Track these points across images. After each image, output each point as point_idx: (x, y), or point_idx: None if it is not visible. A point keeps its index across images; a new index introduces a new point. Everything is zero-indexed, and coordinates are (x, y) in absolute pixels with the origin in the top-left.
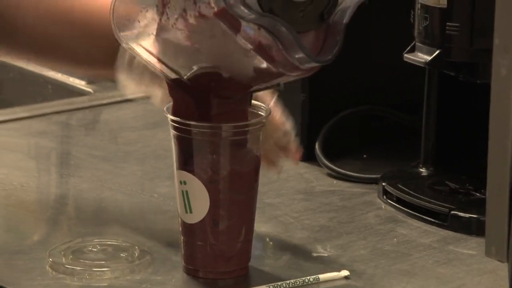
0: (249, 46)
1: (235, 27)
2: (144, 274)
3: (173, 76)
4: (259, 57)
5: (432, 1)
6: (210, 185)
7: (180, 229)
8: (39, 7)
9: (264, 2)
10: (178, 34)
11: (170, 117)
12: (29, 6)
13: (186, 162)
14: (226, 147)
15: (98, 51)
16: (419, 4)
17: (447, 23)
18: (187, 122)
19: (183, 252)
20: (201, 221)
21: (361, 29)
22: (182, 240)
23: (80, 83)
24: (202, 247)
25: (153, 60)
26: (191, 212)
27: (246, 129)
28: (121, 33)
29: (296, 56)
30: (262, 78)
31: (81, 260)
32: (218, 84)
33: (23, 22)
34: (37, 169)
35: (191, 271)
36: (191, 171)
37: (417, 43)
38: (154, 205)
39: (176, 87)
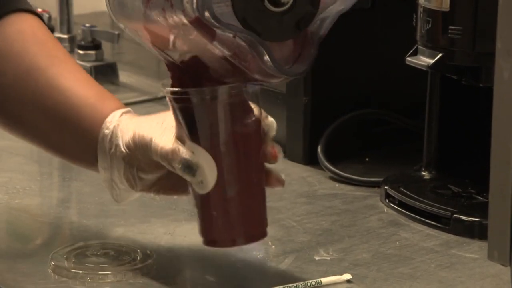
0: (225, 52)
1: (210, 35)
2: (146, 278)
3: (168, 58)
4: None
5: (435, 4)
6: (214, 150)
7: (194, 201)
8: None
9: (238, 11)
10: (161, 26)
11: (169, 89)
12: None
13: (190, 132)
14: (225, 110)
15: (77, 147)
16: (422, 8)
17: (450, 27)
18: (185, 90)
19: (199, 225)
20: (212, 190)
21: (363, 32)
22: (197, 212)
23: None
24: (217, 216)
25: (147, 44)
26: (201, 182)
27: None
28: (117, 17)
29: (269, 65)
30: (241, 75)
31: (84, 264)
32: (205, 69)
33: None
34: (40, 173)
35: (210, 243)
36: (195, 140)
37: (419, 47)
38: (156, 208)
39: (173, 67)
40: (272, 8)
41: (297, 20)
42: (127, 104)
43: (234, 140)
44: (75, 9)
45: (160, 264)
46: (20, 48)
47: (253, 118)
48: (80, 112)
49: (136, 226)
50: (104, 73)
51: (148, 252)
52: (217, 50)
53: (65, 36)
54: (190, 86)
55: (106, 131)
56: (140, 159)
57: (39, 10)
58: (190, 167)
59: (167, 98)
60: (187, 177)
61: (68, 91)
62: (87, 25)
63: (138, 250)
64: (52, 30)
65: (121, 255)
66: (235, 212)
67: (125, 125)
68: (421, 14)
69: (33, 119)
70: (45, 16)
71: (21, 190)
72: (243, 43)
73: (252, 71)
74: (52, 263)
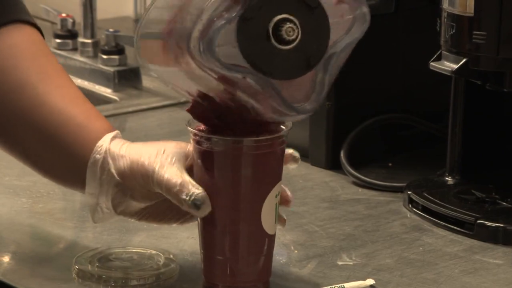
0: (237, 93)
1: (232, 85)
2: (169, 282)
3: (189, 97)
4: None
5: (459, 9)
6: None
7: (200, 243)
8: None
9: (245, 52)
10: (177, 70)
11: (193, 130)
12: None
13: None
14: (246, 160)
15: (63, 167)
16: (446, 13)
17: (474, 32)
18: (209, 136)
19: (203, 266)
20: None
21: (387, 37)
22: (201, 253)
23: (106, 91)
24: (220, 261)
25: (173, 85)
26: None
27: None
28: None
29: (279, 104)
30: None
31: (107, 268)
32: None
33: None
34: None
35: (211, 286)
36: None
37: (443, 52)
38: None
39: (197, 105)
40: (279, 47)
41: (306, 58)
42: (150, 109)
43: (252, 189)
44: (99, 14)
45: (183, 269)
46: (12, 63)
47: (275, 170)
48: (66, 131)
49: (159, 230)
50: (127, 78)
51: (171, 256)
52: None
53: (89, 41)
54: (218, 128)
55: (97, 156)
56: (134, 188)
57: (63, 15)
58: (198, 200)
59: (191, 136)
60: (192, 211)
61: (55, 109)
62: (111, 30)
63: (161, 255)
64: (75, 35)
65: (144, 259)
66: (239, 259)
67: (117, 150)
68: (445, 19)
69: (20, 136)
70: (69, 21)
71: (45, 194)
72: (253, 83)
73: (266, 111)
74: (76, 267)
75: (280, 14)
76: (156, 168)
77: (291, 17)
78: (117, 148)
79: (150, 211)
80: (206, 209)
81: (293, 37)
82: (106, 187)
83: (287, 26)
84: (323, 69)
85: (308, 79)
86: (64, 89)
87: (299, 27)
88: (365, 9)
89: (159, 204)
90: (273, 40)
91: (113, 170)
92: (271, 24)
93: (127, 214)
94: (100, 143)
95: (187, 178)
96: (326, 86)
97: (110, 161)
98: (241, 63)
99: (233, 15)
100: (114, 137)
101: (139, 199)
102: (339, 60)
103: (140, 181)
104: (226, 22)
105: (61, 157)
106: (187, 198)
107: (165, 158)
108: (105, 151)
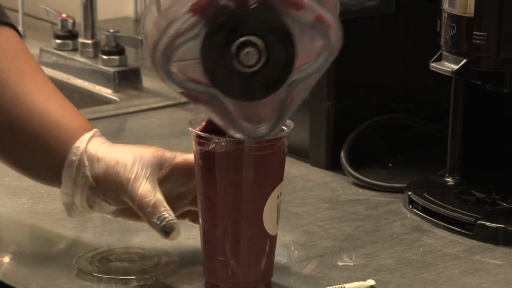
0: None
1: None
2: (170, 283)
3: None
4: None
5: (459, 10)
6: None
7: (201, 244)
8: None
9: (207, 69)
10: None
11: (194, 131)
12: None
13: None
14: (247, 161)
15: (40, 165)
16: (446, 13)
17: (474, 32)
18: (211, 136)
19: (204, 266)
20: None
21: (387, 37)
22: (203, 254)
23: (106, 92)
24: (222, 261)
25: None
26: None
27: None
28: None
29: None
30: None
31: (107, 268)
32: None
33: None
34: None
35: (212, 286)
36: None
37: (443, 52)
38: None
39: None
40: (240, 69)
41: (268, 82)
42: (150, 110)
43: (254, 190)
44: (99, 14)
45: (184, 269)
46: None
47: (276, 170)
48: (45, 130)
49: None
50: (128, 78)
51: (172, 257)
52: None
53: (89, 41)
54: (220, 129)
55: (74, 158)
56: (107, 192)
57: (64, 15)
58: (167, 228)
59: (192, 137)
60: (161, 235)
61: (34, 109)
62: (111, 30)
63: (162, 255)
64: (76, 35)
65: (145, 259)
66: (241, 260)
67: (94, 152)
68: (446, 20)
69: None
70: (69, 21)
71: (45, 194)
72: (209, 100)
73: (227, 127)
74: (76, 267)
75: (245, 36)
76: (131, 181)
77: (255, 40)
78: (94, 149)
79: (125, 211)
80: (176, 236)
81: (253, 62)
82: (80, 188)
83: (247, 50)
84: (285, 94)
85: (269, 102)
86: (42, 89)
87: (262, 51)
88: (335, 37)
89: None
90: (235, 62)
91: (88, 173)
92: (234, 46)
93: (103, 212)
94: (77, 143)
95: (160, 197)
96: (288, 112)
97: (87, 163)
98: (203, 80)
99: (197, 32)
100: (92, 137)
101: (112, 203)
102: (307, 85)
103: (114, 188)
104: (189, 39)
105: (39, 156)
106: (158, 222)
107: (141, 169)
108: (82, 152)
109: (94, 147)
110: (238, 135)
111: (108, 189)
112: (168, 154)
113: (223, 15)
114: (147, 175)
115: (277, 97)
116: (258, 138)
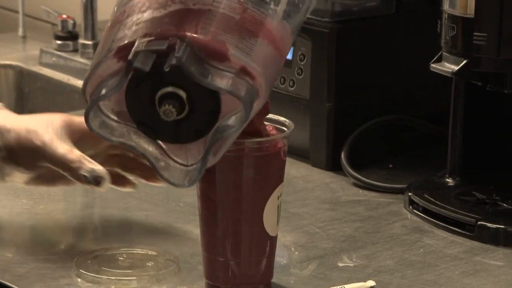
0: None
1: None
2: (170, 283)
3: None
4: None
5: (459, 10)
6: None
7: (202, 245)
8: None
9: (132, 113)
10: None
11: None
12: None
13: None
14: (248, 162)
15: None
16: (446, 14)
17: (475, 33)
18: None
19: (204, 267)
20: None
21: (387, 38)
22: (203, 255)
23: None
24: (222, 262)
25: None
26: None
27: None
28: None
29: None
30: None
31: (108, 269)
32: None
33: None
34: None
35: (213, 287)
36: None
37: (444, 53)
38: (180, 214)
39: None
40: (165, 118)
41: (194, 129)
42: None
43: (254, 191)
44: (99, 15)
45: (184, 270)
46: None
47: (277, 171)
48: None
49: (160, 232)
50: None
51: (172, 257)
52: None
53: (90, 42)
54: None
55: None
56: (21, 161)
57: (64, 16)
58: (99, 177)
59: None
60: (92, 186)
61: None
62: None
63: (162, 256)
64: (76, 36)
65: (145, 260)
66: (241, 261)
67: (2, 124)
68: (446, 21)
69: None
70: (70, 22)
71: (46, 195)
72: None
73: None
74: (77, 268)
75: (168, 87)
76: (48, 143)
77: (179, 92)
78: (2, 121)
79: (38, 178)
80: (106, 185)
81: (176, 113)
82: None
83: (169, 101)
84: (210, 141)
85: (196, 146)
86: None
87: (185, 102)
88: (260, 87)
89: (47, 172)
90: (159, 111)
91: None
92: (157, 96)
93: (16, 182)
94: None
95: (79, 153)
96: (213, 159)
97: None
98: (130, 122)
99: (121, 79)
100: None
101: (25, 171)
102: (231, 135)
103: (29, 155)
104: (114, 85)
105: None
106: (88, 175)
107: (54, 133)
108: None
109: (1, 118)
110: (166, 176)
111: (22, 157)
112: (76, 119)
113: (147, 66)
114: (61, 138)
115: (202, 142)
116: (182, 185)
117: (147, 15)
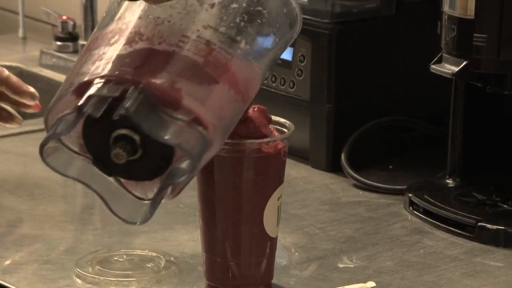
0: None
1: None
2: (170, 285)
3: None
4: None
5: (459, 12)
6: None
7: (202, 246)
8: None
9: (90, 149)
10: None
11: None
12: None
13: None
14: (248, 163)
15: None
16: (446, 15)
17: (475, 34)
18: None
19: (204, 268)
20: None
21: (387, 39)
22: (203, 256)
23: None
24: (222, 263)
25: None
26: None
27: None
28: None
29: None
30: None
31: (108, 270)
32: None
33: None
34: (64, 179)
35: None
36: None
37: (444, 54)
38: (180, 215)
39: None
40: (116, 161)
41: (148, 169)
42: None
43: (254, 192)
44: (99, 16)
45: (184, 271)
46: None
47: (277, 172)
48: None
49: (160, 233)
50: None
51: (172, 259)
52: None
53: None
54: None
55: None
56: None
57: (64, 17)
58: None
59: None
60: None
61: None
62: None
63: (162, 257)
64: (76, 37)
65: (145, 262)
66: (246, 262)
67: None
68: (446, 22)
69: None
70: (70, 23)
71: (46, 196)
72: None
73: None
74: (77, 269)
75: (123, 129)
76: None
77: (132, 135)
78: None
79: None
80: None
81: (128, 154)
82: None
83: (119, 150)
84: (163, 184)
85: (153, 182)
86: None
87: (138, 144)
88: (212, 136)
89: None
90: (112, 155)
91: None
92: (112, 137)
93: None
94: None
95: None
96: (170, 195)
97: None
98: (88, 155)
99: (77, 118)
100: None
101: None
102: (184, 179)
103: None
104: (69, 126)
105: None
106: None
107: None
108: None
109: None
110: (117, 212)
111: None
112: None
113: (98, 112)
114: None
115: (161, 178)
116: (134, 222)
117: (112, 50)
